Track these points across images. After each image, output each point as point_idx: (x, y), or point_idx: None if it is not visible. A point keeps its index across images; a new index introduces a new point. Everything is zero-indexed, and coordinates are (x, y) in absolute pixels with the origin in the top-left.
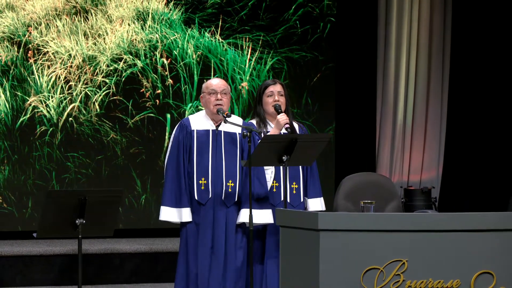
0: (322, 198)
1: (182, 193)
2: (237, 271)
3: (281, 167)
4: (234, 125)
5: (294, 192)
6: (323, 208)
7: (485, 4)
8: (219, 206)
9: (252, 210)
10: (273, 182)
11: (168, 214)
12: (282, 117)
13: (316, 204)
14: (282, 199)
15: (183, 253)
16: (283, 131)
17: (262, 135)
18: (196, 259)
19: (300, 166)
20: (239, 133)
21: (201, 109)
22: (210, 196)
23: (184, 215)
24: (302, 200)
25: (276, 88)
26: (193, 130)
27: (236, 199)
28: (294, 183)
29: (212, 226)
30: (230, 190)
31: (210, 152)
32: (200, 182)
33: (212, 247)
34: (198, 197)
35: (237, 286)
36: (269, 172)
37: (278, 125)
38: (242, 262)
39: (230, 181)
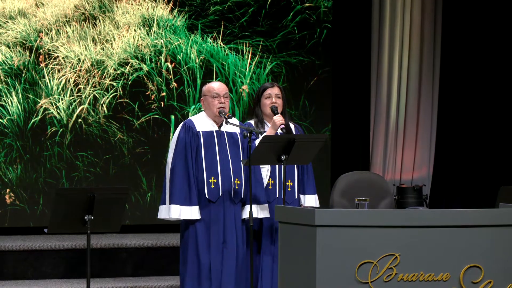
0: (316, 195)
1: (192, 191)
2: (244, 265)
3: (277, 166)
4: (234, 125)
5: (289, 189)
6: (318, 204)
7: (474, 9)
8: (228, 203)
9: (253, 205)
10: (269, 180)
11: (180, 212)
12: (278, 118)
13: (311, 200)
14: (277, 195)
15: (193, 249)
16: (279, 131)
17: (260, 136)
18: (209, 254)
19: (295, 165)
20: (239, 133)
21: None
22: (220, 194)
23: (195, 212)
24: (296, 197)
25: (273, 91)
26: (199, 132)
27: (242, 196)
28: (289, 181)
29: (223, 222)
30: (237, 187)
31: (217, 152)
32: (210, 181)
33: (224, 242)
34: (209, 196)
35: (244, 278)
36: (265, 170)
37: (274, 125)
38: (246, 256)
39: (236, 179)
